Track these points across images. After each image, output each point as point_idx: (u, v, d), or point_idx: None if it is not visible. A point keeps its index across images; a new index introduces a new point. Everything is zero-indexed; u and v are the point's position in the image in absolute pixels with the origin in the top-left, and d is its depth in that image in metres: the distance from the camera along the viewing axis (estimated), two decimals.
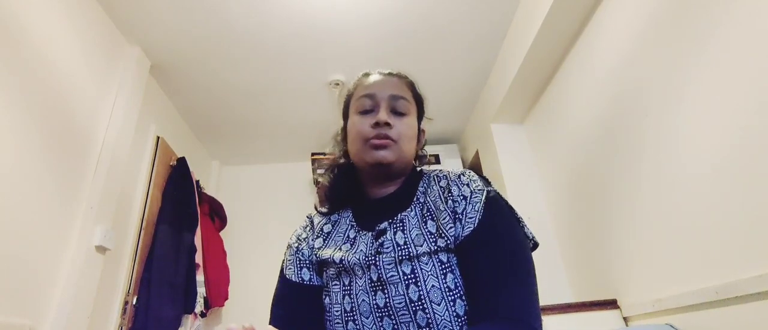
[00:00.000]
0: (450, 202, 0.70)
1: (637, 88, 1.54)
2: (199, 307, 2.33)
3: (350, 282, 0.70)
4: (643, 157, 1.51)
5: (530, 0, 1.97)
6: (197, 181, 2.61)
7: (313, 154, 3.06)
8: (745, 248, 1.12)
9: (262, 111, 2.76)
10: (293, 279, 0.77)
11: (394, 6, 2.03)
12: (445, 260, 0.65)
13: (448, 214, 0.68)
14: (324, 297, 0.74)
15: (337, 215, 0.83)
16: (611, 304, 1.70)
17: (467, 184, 0.71)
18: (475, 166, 3.00)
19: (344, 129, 0.84)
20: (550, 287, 2.11)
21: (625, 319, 1.66)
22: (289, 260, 0.80)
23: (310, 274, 0.77)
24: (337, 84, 2.49)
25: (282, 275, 0.80)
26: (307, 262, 0.78)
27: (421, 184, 0.77)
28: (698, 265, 1.29)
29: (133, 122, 2.04)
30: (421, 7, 2.04)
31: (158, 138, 2.34)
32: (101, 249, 1.72)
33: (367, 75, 0.83)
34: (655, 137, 1.45)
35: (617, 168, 1.68)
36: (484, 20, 2.15)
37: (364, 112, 0.77)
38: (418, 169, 0.83)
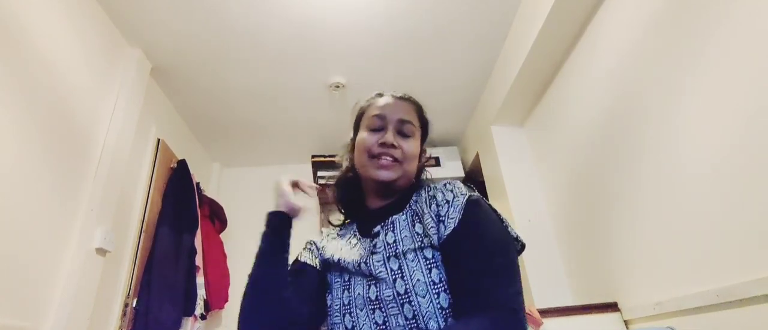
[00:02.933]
0: (434, 206, 0.76)
1: (637, 89, 1.53)
2: (199, 309, 2.33)
3: (349, 279, 0.79)
4: (644, 158, 1.51)
5: (531, 1, 1.97)
6: (198, 183, 2.61)
7: (313, 156, 3.05)
8: (747, 250, 1.11)
9: (262, 113, 2.77)
10: (309, 263, 0.86)
11: (394, 7, 2.03)
12: (429, 257, 0.71)
13: (432, 217, 0.74)
14: (327, 295, 0.82)
15: (344, 229, 0.93)
16: (612, 307, 1.69)
17: (451, 191, 0.77)
18: (476, 169, 3.00)
19: (353, 141, 0.92)
20: (550, 290, 2.11)
21: (625, 322, 1.65)
22: (305, 249, 0.90)
23: (323, 268, 0.86)
24: (338, 86, 2.49)
25: (296, 261, 0.87)
26: (318, 259, 0.88)
27: (414, 194, 0.85)
28: (699, 268, 1.28)
29: (133, 124, 2.04)
30: (421, 7, 2.04)
31: (159, 140, 2.34)
32: (101, 251, 1.72)
33: (380, 95, 0.92)
34: (655, 138, 1.44)
35: (617, 170, 1.67)
36: (484, 21, 2.15)
37: (374, 130, 0.85)
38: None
